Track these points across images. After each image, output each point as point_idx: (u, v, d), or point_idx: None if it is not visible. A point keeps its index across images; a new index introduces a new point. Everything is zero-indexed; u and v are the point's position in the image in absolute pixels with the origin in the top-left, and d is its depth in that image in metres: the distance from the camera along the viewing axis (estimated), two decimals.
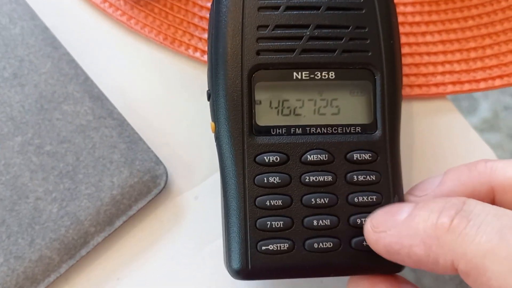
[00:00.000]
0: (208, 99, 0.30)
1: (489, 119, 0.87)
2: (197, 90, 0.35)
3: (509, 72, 0.36)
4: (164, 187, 0.33)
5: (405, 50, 0.36)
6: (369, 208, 0.28)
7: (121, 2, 0.36)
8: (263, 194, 0.28)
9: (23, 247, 0.31)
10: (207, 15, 0.35)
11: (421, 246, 0.24)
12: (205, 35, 0.35)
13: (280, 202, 0.28)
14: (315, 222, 0.28)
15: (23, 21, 0.34)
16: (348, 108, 0.29)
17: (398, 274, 0.29)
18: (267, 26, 0.28)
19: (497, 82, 0.36)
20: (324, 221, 0.28)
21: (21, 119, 0.32)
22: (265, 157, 0.28)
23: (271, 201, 0.28)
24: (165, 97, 0.35)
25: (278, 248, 0.28)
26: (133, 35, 0.36)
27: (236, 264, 0.28)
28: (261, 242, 0.28)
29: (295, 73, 0.29)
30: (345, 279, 0.30)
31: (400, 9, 0.36)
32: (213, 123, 0.29)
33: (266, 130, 0.29)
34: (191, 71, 0.36)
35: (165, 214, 0.34)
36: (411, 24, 0.36)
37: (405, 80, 0.35)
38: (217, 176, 0.30)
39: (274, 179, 0.28)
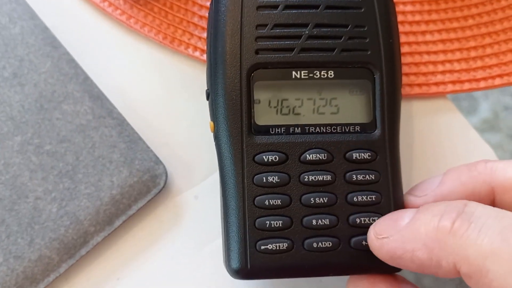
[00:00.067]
0: (207, 99, 0.30)
1: (489, 119, 0.86)
2: (196, 90, 0.35)
3: (509, 71, 0.36)
4: (163, 186, 0.33)
5: (405, 49, 0.35)
6: (368, 208, 0.28)
7: (120, 1, 0.36)
8: (262, 193, 0.28)
9: (23, 247, 0.31)
10: (207, 14, 0.35)
11: (423, 250, 0.24)
12: (205, 34, 0.35)
13: (279, 202, 0.28)
14: (314, 222, 0.28)
15: (22, 21, 0.34)
16: (347, 107, 0.29)
17: (398, 273, 0.29)
18: (266, 25, 0.28)
19: (497, 81, 0.36)
20: (323, 220, 0.28)
21: (21, 119, 0.32)
22: (264, 157, 0.28)
23: (270, 200, 0.28)
24: (164, 96, 0.35)
25: (277, 248, 0.28)
26: (133, 34, 0.36)
27: (235, 264, 0.28)
28: (260, 242, 0.28)
29: (294, 72, 0.29)
30: (344, 278, 0.30)
31: (400, 8, 0.36)
32: (212, 123, 0.29)
33: (265, 130, 0.29)
34: (190, 70, 0.36)
35: (164, 213, 0.34)
36: (411, 23, 0.36)
37: (405, 79, 0.35)
38: (216, 175, 0.30)
39: (273, 179, 0.28)
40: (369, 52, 0.29)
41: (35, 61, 0.33)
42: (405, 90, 0.35)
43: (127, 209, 0.32)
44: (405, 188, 0.30)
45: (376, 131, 0.29)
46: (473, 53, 0.36)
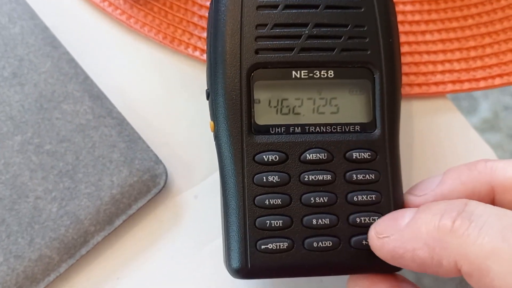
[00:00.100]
0: (207, 98, 0.30)
1: (489, 119, 0.87)
2: (196, 89, 0.35)
3: (509, 71, 0.36)
4: (163, 186, 0.33)
5: (404, 49, 0.36)
6: (368, 207, 0.28)
7: (120, 1, 0.36)
8: (262, 193, 0.28)
9: (23, 247, 0.31)
10: (207, 14, 0.35)
11: (424, 249, 0.24)
12: (205, 34, 0.35)
13: (279, 201, 0.28)
14: (314, 221, 0.28)
15: (22, 21, 0.34)
16: (347, 107, 0.29)
17: (398, 273, 0.29)
18: (265, 25, 0.28)
19: (497, 81, 0.36)
20: (323, 220, 0.28)
21: (21, 118, 0.32)
22: (264, 156, 0.28)
23: (270, 200, 0.28)
24: (164, 96, 0.35)
25: (278, 247, 0.28)
26: (133, 34, 0.36)
27: (235, 263, 0.28)
28: (260, 241, 0.28)
29: (294, 72, 0.29)
30: (344, 278, 0.30)
31: (399, 7, 0.36)
32: (212, 122, 0.29)
33: (265, 129, 0.29)
34: (190, 70, 0.36)
35: (164, 213, 0.34)
36: (410, 23, 0.36)
37: (404, 79, 0.35)
38: (216, 175, 0.30)
39: (273, 178, 0.28)
40: (369, 52, 0.29)
41: (35, 61, 0.33)
42: (405, 90, 0.35)
43: (127, 209, 0.32)
44: (405, 187, 0.30)
45: (376, 131, 0.29)
46: (473, 53, 0.36)
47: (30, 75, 0.33)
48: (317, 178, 0.28)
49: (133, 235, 0.33)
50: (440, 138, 0.36)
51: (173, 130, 0.35)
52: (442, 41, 0.36)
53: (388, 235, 0.26)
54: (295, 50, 0.29)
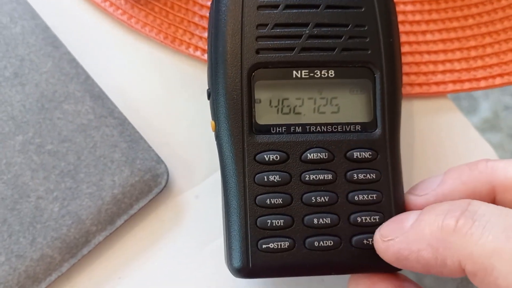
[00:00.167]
0: (208, 98, 0.30)
1: (490, 119, 0.87)
2: (197, 89, 0.35)
3: (509, 71, 0.36)
4: (165, 186, 0.33)
5: (405, 48, 0.36)
6: (369, 207, 0.28)
7: (121, 1, 0.36)
8: (264, 192, 0.28)
9: (25, 246, 0.31)
10: (208, 14, 0.35)
11: (428, 250, 0.24)
12: (206, 34, 0.35)
13: (280, 201, 0.28)
14: (315, 220, 0.28)
15: (23, 20, 0.34)
16: (348, 106, 0.29)
17: (399, 272, 0.29)
18: (266, 25, 0.29)
19: (498, 80, 0.36)
20: (324, 219, 0.28)
21: (22, 118, 0.32)
22: (265, 156, 0.28)
23: (272, 199, 0.28)
24: (165, 96, 0.35)
25: (279, 247, 0.28)
26: (134, 34, 0.36)
27: (237, 263, 0.28)
28: (261, 241, 0.28)
29: (294, 72, 0.29)
30: (346, 277, 0.30)
31: (400, 7, 0.36)
32: (213, 122, 0.29)
33: (266, 129, 0.29)
34: (191, 70, 0.36)
35: (166, 213, 0.34)
36: (411, 22, 0.36)
37: (405, 79, 0.35)
38: (218, 175, 0.30)
39: (274, 178, 0.28)
40: (369, 52, 0.29)
41: (36, 61, 0.33)
42: (405, 90, 0.35)
43: (128, 209, 0.32)
44: (405, 187, 0.30)
45: (376, 130, 0.29)
46: (473, 53, 0.36)
47: (31, 75, 0.33)
48: (318, 178, 0.28)
49: (134, 235, 0.34)
50: (441, 138, 0.36)
51: (174, 130, 0.35)
52: (443, 40, 0.36)
53: (393, 237, 0.26)
54: (295, 50, 0.29)
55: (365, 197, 0.28)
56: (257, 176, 0.28)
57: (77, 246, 0.32)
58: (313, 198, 0.28)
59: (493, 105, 0.86)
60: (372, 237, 0.28)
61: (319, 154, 0.28)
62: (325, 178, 0.28)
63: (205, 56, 0.35)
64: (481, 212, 0.24)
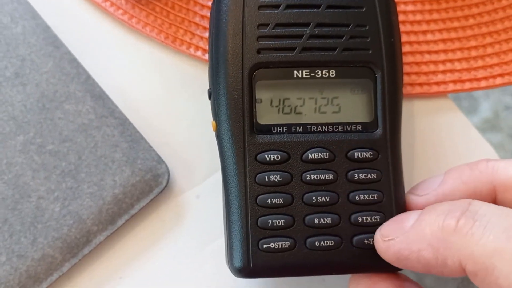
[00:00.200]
0: (209, 98, 0.30)
1: (490, 119, 0.87)
2: (198, 89, 0.35)
3: (510, 71, 0.36)
4: (166, 186, 0.33)
5: (406, 48, 0.36)
6: (370, 206, 0.28)
7: (122, 1, 0.36)
8: (264, 192, 0.28)
9: (26, 246, 0.31)
10: (209, 14, 0.35)
11: (429, 250, 0.24)
12: (207, 34, 0.35)
13: (281, 200, 0.28)
14: (316, 220, 0.28)
15: (24, 20, 0.34)
16: (349, 106, 0.29)
17: (400, 272, 0.29)
18: (267, 25, 0.29)
19: (498, 80, 0.36)
20: (325, 219, 0.28)
21: (23, 118, 0.32)
22: (266, 156, 0.28)
23: (272, 199, 0.28)
24: (166, 96, 0.35)
25: (280, 246, 0.28)
26: (134, 34, 0.36)
27: (237, 263, 0.28)
28: (262, 240, 0.28)
29: (295, 72, 0.29)
30: (346, 277, 0.30)
31: (401, 7, 0.36)
32: (214, 122, 0.29)
33: (267, 129, 0.29)
34: (192, 70, 0.36)
35: (166, 213, 0.34)
36: (412, 22, 0.36)
37: (406, 79, 0.35)
38: (218, 175, 0.30)
39: (275, 178, 0.28)
40: (370, 52, 0.29)
41: (37, 61, 0.33)
42: (406, 90, 0.35)
43: (129, 209, 0.32)
44: (406, 187, 0.30)
45: (377, 130, 0.29)
46: (474, 53, 0.36)
47: (32, 75, 0.33)
48: (319, 178, 0.28)
49: (135, 234, 0.34)
50: (441, 138, 0.36)
51: (175, 130, 0.35)
52: (443, 40, 0.36)
53: (393, 237, 0.26)
54: (296, 49, 0.29)
55: (366, 197, 0.28)
56: (258, 176, 0.28)
57: (78, 246, 0.32)
58: (314, 198, 0.28)
59: (493, 105, 0.86)
60: (373, 237, 0.28)
61: (320, 154, 0.28)
62: (326, 178, 0.28)
63: (206, 56, 0.35)
64: (482, 212, 0.24)
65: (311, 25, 0.29)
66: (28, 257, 0.31)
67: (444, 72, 0.36)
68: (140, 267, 0.33)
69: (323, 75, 0.29)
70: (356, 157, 0.29)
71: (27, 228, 0.31)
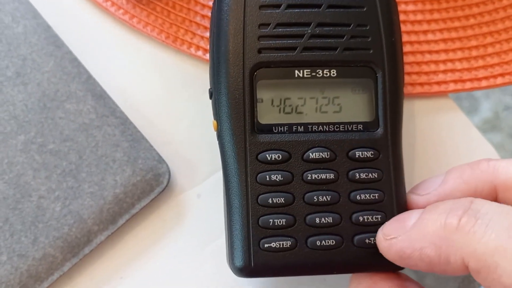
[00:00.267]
0: (210, 98, 0.30)
1: (490, 119, 0.87)
2: (199, 89, 0.35)
3: (510, 70, 0.36)
4: (166, 185, 0.33)
5: (407, 48, 0.36)
6: (371, 206, 0.28)
7: (123, 0, 0.36)
8: (266, 192, 0.28)
9: (27, 245, 0.31)
10: (209, 14, 0.35)
11: (431, 248, 0.24)
12: (207, 34, 0.35)
13: (282, 200, 0.28)
14: (317, 220, 0.28)
15: (25, 20, 0.34)
16: (350, 106, 0.29)
17: (401, 272, 0.29)
18: (268, 24, 0.29)
19: (499, 80, 0.36)
20: (326, 218, 0.28)
21: (24, 118, 0.32)
22: (267, 155, 0.28)
23: (274, 198, 0.28)
24: (167, 95, 0.35)
25: (281, 246, 0.28)
26: (135, 33, 0.36)
27: (238, 262, 0.28)
28: (263, 240, 0.28)
29: (296, 71, 0.29)
30: (347, 276, 0.30)
31: (401, 7, 0.36)
32: (215, 121, 0.29)
33: (268, 128, 0.29)
34: (193, 70, 0.36)
35: (167, 212, 0.34)
36: (412, 22, 0.36)
37: (407, 79, 0.35)
38: (219, 174, 0.30)
39: (276, 177, 0.28)
40: (371, 51, 0.29)
41: (38, 60, 0.33)
42: (407, 89, 0.35)
43: (130, 208, 0.32)
44: (407, 186, 0.30)
45: (378, 130, 0.29)
46: (474, 52, 0.36)
47: (33, 75, 0.33)
48: (320, 177, 0.28)
49: (136, 234, 0.34)
50: (442, 138, 0.36)
51: (176, 130, 0.35)
52: (444, 40, 0.36)
53: (395, 236, 0.26)
54: (297, 49, 0.29)
55: (367, 196, 0.28)
56: (259, 175, 0.28)
57: (79, 245, 0.32)
58: (315, 197, 0.28)
59: (493, 105, 0.86)
60: (374, 236, 0.28)
61: (321, 153, 0.28)
62: (327, 178, 0.28)
63: (207, 56, 0.35)
64: (484, 210, 0.24)
65: (312, 25, 0.29)
66: (29, 256, 0.31)
67: (444, 71, 0.36)
68: (141, 267, 0.33)
69: (324, 75, 0.29)
70: (357, 156, 0.29)
71: (28, 228, 0.31)
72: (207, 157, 0.34)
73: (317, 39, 0.29)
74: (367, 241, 0.28)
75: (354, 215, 0.28)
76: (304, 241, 0.28)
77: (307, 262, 0.28)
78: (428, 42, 0.36)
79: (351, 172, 0.28)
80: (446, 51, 0.36)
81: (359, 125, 0.29)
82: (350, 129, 0.29)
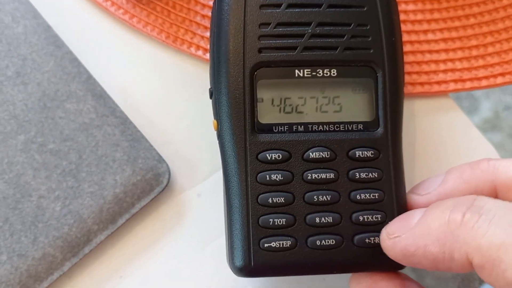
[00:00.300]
0: (210, 97, 0.30)
1: (491, 119, 0.87)
2: (199, 89, 0.35)
3: (510, 70, 0.36)
4: (166, 185, 0.33)
5: (407, 48, 0.36)
6: (371, 205, 0.28)
7: (123, 0, 0.36)
8: (266, 191, 0.28)
9: (26, 245, 0.31)
10: (209, 13, 0.35)
11: (435, 244, 0.24)
12: (207, 34, 0.35)
13: (282, 200, 0.28)
14: (317, 219, 0.28)
15: (25, 20, 0.34)
16: (350, 105, 0.29)
17: (401, 271, 0.29)
18: (269, 24, 0.29)
19: (499, 80, 0.36)
20: (326, 218, 0.28)
21: (24, 118, 0.32)
22: (267, 155, 0.28)
23: (274, 198, 0.28)
24: (167, 95, 0.35)
25: (281, 245, 0.28)
26: (135, 33, 0.36)
27: (238, 262, 0.28)
28: (263, 240, 0.28)
29: (297, 71, 0.29)
30: (347, 276, 0.30)
31: (402, 7, 0.36)
32: (215, 121, 0.29)
33: (268, 128, 0.29)
34: (193, 69, 0.36)
35: (167, 212, 0.34)
36: (413, 22, 0.36)
37: (407, 78, 0.35)
38: (219, 174, 0.30)
39: (277, 177, 0.28)
40: (371, 51, 0.29)
41: (38, 60, 0.33)
42: (407, 89, 0.35)
43: (130, 208, 0.32)
44: (407, 186, 0.30)
45: (379, 129, 0.29)
46: (474, 52, 0.36)
47: (34, 74, 0.33)
48: (320, 177, 0.28)
49: (136, 234, 0.34)
50: (442, 137, 0.36)
51: (176, 129, 0.35)
52: (444, 40, 0.36)
53: (399, 234, 0.26)
54: (298, 49, 0.29)
55: (367, 196, 0.28)
56: (259, 175, 0.28)
57: (79, 245, 0.32)
58: (315, 197, 0.28)
59: (493, 105, 0.87)
60: (374, 236, 0.28)
61: (321, 153, 0.28)
62: (327, 177, 0.28)
63: (207, 56, 0.35)
64: (488, 206, 0.24)
65: (312, 24, 0.29)
66: (28, 256, 0.31)
67: (445, 71, 0.36)
68: (140, 266, 0.33)
69: (325, 74, 0.29)
70: (357, 156, 0.29)
71: (28, 227, 0.31)
72: (207, 156, 0.34)
73: (317, 39, 0.29)
74: (367, 240, 0.28)
75: (354, 215, 0.28)
76: (304, 240, 0.28)
77: (307, 261, 0.28)
78: (428, 41, 0.36)
79: (351, 172, 0.28)
80: (446, 50, 0.36)
81: (359, 125, 0.29)
82: (350, 128, 0.29)
